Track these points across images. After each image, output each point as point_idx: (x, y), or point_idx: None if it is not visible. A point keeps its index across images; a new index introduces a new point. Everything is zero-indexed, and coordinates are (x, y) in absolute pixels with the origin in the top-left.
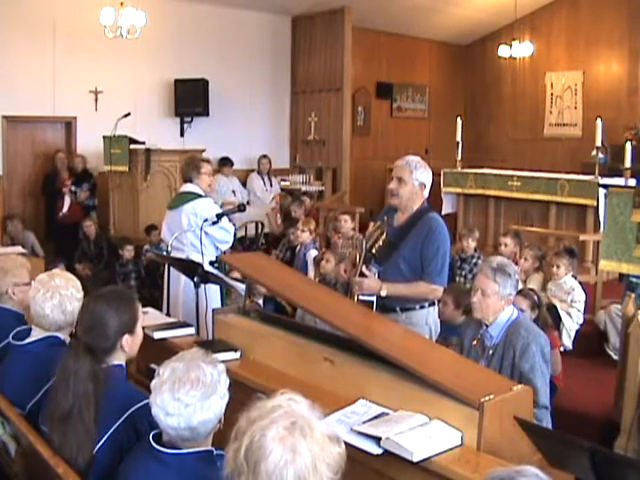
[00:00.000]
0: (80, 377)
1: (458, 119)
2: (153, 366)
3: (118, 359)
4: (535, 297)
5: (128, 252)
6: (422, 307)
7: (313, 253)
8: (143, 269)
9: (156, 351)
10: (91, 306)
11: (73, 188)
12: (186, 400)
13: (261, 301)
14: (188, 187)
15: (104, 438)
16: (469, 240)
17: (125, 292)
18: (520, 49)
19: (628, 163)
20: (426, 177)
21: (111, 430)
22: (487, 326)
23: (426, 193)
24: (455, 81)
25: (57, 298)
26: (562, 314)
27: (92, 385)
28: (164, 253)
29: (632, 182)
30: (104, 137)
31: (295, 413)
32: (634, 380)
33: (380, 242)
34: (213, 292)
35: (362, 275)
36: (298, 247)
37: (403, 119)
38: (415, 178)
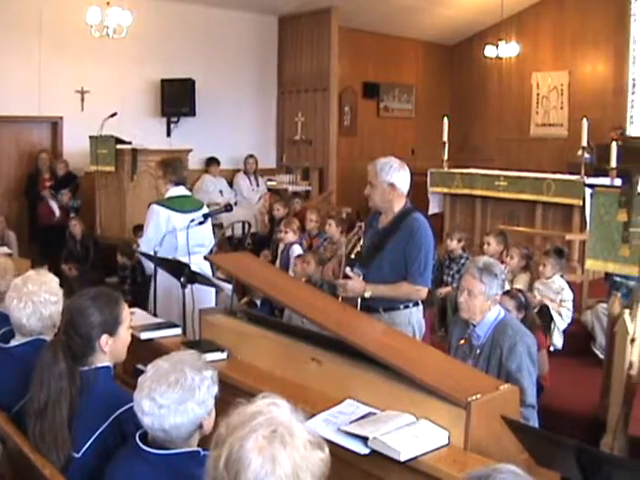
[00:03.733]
0: (54, 374)
1: (445, 119)
2: (140, 367)
3: (101, 360)
4: (522, 298)
5: (121, 258)
6: (406, 307)
7: (297, 249)
8: (140, 274)
9: (143, 351)
10: (72, 305)
11: (54, 193)
12: (160, 401)
13: (259, 302)
14: (186, 190)
15: (90, 440)
16: (455, 240)
17: (109, 292)
18: (506, 49)
19: (614, 163)
20: (396, 177)
21: (97, 432)
22: (474, 326)
23: (402, 192)
24: (442, 81)
25: (31, 307)
26: (553, 314)
27: (67, 383)
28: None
29: (618, 182)
30: (90, 137)
31: (275, 420)
32: (620, 379)
33: (358, 248)
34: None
35: (346, 277)
36: (282, 247)
37: (390, 119)
38: (382, 180)
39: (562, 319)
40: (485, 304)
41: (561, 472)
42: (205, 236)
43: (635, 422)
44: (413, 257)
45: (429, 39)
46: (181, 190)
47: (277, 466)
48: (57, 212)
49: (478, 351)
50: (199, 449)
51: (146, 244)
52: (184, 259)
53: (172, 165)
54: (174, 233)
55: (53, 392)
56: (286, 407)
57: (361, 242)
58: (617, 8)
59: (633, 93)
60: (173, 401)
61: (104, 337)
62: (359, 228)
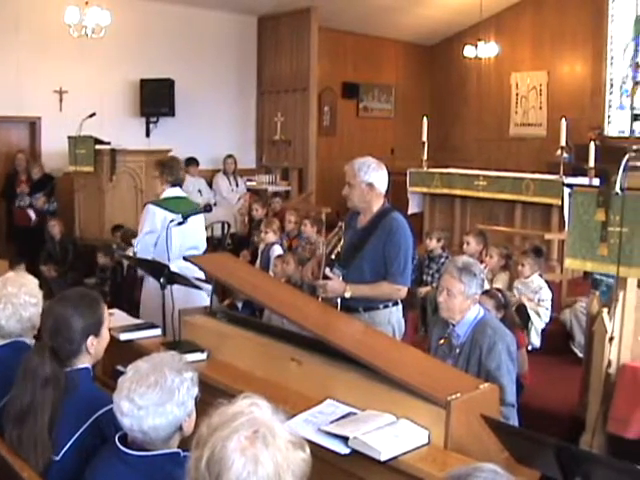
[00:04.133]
0: (40, 379)
1: (424, 119)
2: (119, 368)
3: (83, 362)
4: (501, 297)
5: (102, 259)
6: (386, 306)
7: (277, 250)
8: (119, 275)
9: (122, 353)
10: (55, 309)
11: (28, 200)
12: (140, 402)
13: (240, 304)
14: (182, 192)
15: (69, 442)
16: (434, 240)
17: (89, 293)
18: (485, 49)
19: (592, 163)
20: (374, 177)
21: (77, 435)
22: (454, 325)
23: (380, 192)
24: (421, 81)
25: (10, 308)
26: (531, 313)
27: (51, 389)
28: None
29: (596, 181)
30: (69, 137)
31: (257, 420)
32: (599, 377)
33: (338, 248)
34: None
35: (326, 278)
36: (263, 247)
37: (369, 119)
38: (361, 180)
39: (540, 318)
40: (464, 303)
41: (541, 470)
42: (198, 238)
43: (614, 420)
44: (392, 257)
45: (408, 39)
46: (177, 191)
47: (259, 466)
48: (33, 217)
49: (458, 350)
50: (179, 450)
51: (142, 244)
52: (178, 261)
53: (169, 165)
54: (169, 234)
55: (38, 398)
56: (267, 407)
57: (341, 242)
58: (595, 9)
59: (611, 93)
60: (152, 402)
61: (90, 338)
62: (339, 228)
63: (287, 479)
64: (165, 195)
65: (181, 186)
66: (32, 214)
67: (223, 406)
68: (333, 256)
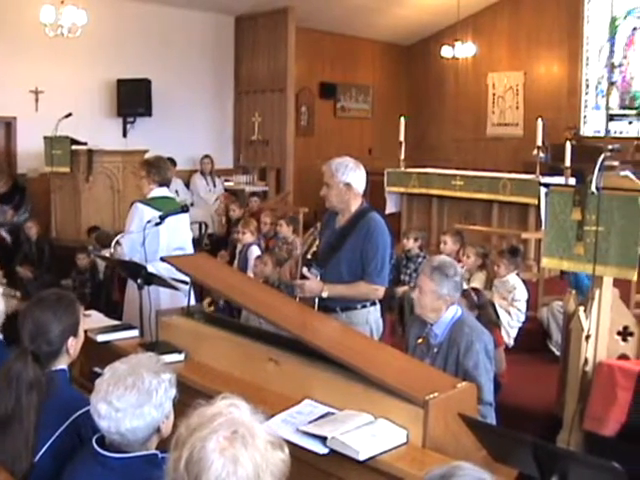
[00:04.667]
0: (25, 385)
1: (401, 119)
2: (96, 369)
3: (61, 362)
4: (474, 297)
5: (81, 260)
6: (363, 306)
7: (255, 250)
8: (98, 275)
9: (99, 354)
10: (34, 312)
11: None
12: (117, 404)
13: (222, 301)
14: (169, 192)
15: (46, 445)
16: (411, 240)
17: (66, 294)
18: (462, 50)
19: (568, 162)
20: (352, 177)
21: (54, 437)
22: (432, 325)
23: (358, 192)
24: (398, 81)
25: None
26: (500, 312)
27: (34, 393)
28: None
29: (572, 181)
30: (45, 138)
31: (236, 421)
32: (575, 375)
33: (314, 248)
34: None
35: (303, 277)
36: (240, 247)
37: (347, 119)
38: (339, 180)
39: (511, 317)
40: (435, 302)
41: (518, 468)
42: (184, 238)
43: (590, 418)
44: (370, 256)
45: (386, 39)
46: (164, 191)
47: (239, 467)
48: (8, 238)
49: (436, 350)
50: (157, 452)
51: (129, 242)
52: (157, 263)
53: (156, 165)
54: (157, 234)
55: (23, 403)
56: (246, 408)
57: (317, 242)
58: (571, 10)
59: (587, 94)
60: (130, 404)
61: (70, 339)
62: (314, 228)
63: (267, 479)
64: (152, 195)
65: (168, 186)
66: (4, 234)
67: (202, 407)
68: (309, 256)
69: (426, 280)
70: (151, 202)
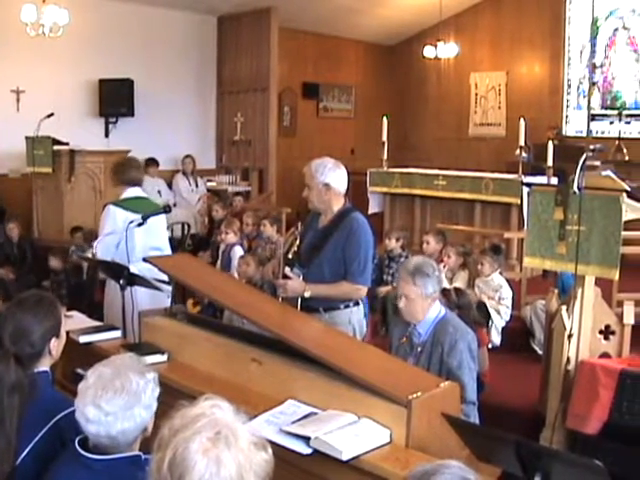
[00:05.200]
0: (6, 387)
1: (384, 119)
2: (79, 371)
3: (43, 364)
4: (454, 296)
5: (54, 262)
6: (346, 307)
7: (238, 251)
8: (80, 277)
9: (82, 355)
10: (16, 315)
11: None
12: (107, 408)
13: (206, 301)
14: (142, 192)
15: (28, 448)
16: (393, 240)
17: (46, 295)
18: (445, 50)
19: (550, 162)
20: (331, 177)
21: (36, 439)
22: (415, 324)
23: (339, 192)
24: (381, 81)
25: None
26: (491, 311)
27: (17, 395)
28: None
29: (554, 180)
30: (26, 138)
31: (219, 422)
32: (558, 374)
33: (295, 248)
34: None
35: (285, 277)
36: (223, 247)
37: (329, 119)
38: (318, 181)
39: (500, 316)
40: (425, 304)
41: (502, 466)
42: (161, 239)
43: (572, 416)
44: (352, 256)
45: (368, 39)
46: (137, 191)
47: (222, 467)
48: None
49: (419, 349)
50: (140, 453)
51: (103, 245)
52: (139, 263)
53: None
54: (132, 235)
55: (5, 405)
56: (229, 409)
57: (297, 242)
58: (553, 11)
59: (568, 94)
60: (120, 407)
61: (53, 340)
62: (295, 228)
63: (250, 479)
64: (125, 195)
65: (140, 185)
66: None
67: (184, 408)
68: (290, 255)
69: (409, 287)
70: (123, 203)
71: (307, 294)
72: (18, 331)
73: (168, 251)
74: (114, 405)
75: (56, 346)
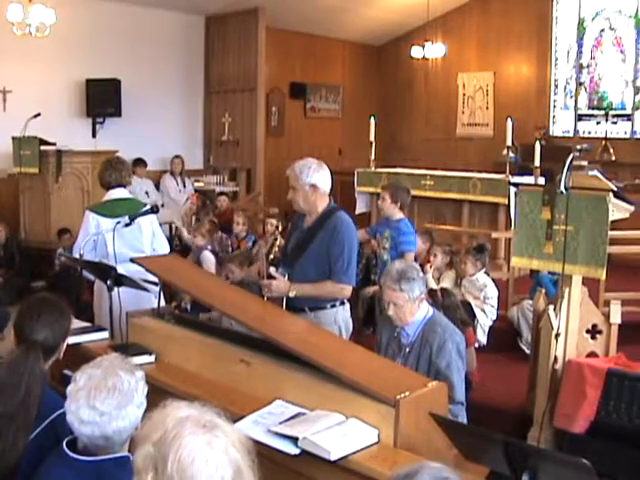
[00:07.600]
0: (36, 377)
1: (371, 119)
2: (67, 372)
3: (48, 363)
4: (439, 297)
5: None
6: (332, 306)
7: (207, 255)
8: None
9: (69, 357)
10: (42, 308)
11: None
12: (101, 409)
13: (188, 305)
14: (125, 193)
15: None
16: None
17: (57, 301)
18: (432, 50)
19: (537, 162)
20: (316, 177)
21: (31, 437)
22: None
23: (324, 192)
24: (369, 81)
25: None
26: (476, 311)
27: (40, 386)
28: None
29: (541, 180)
30: (13, 138)
31: (202, 417)
32: (545, 373)
33: (276, 248)
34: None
35: (270, 277)
36: (193, 249)
37: (317, 119)
38: (304, 183)
39: (486, 316)
40: (413, 307)
41: (490, 466)
42: (143, 241)
43: (560, 415)
44: (336, 255)
45: (356, 40)
46: (120, 192)
47: (229, 451)
48: None
49: (407, 349)
50: (128, 454)
51: (76, 251)
52: (127, 264)
53: (102, 168)
54: (103, 239)
55: (32, 395)
56: (185, 404)
57: (278, 242)
58: (540, 11)
59: (555, 94)
60: (114, 407)
61: (65, 342)
62: (276, 228)
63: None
64: (107, 197)
65: (125, 186)
66: None
67: (149, 420)
68: (272, 256)
69: (396, 294)
70: (99, 208)
71: (292, 294)
72: (44, 325)
73: (149, 252)
74: (108, 405)
75: (64, 349)
